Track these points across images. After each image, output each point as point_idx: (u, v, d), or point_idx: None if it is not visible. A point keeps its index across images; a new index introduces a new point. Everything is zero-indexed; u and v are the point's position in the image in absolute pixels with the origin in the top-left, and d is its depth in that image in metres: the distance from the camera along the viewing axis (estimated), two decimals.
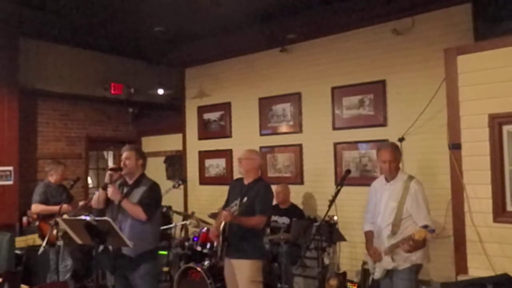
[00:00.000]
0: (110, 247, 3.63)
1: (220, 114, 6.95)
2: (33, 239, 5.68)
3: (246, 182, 4.00)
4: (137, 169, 3.76)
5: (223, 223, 3.80)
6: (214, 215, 4.93)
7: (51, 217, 4.88)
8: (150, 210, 3.60)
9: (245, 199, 3.75)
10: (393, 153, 3.65)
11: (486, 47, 3.94)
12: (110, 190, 3.60)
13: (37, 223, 5.29)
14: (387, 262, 3.55)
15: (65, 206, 5.02)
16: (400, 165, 3.79)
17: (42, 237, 5.09)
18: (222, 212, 3.73)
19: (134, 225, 3.59)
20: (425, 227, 3.21)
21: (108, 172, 3.63)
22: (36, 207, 5.22)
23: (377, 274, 3.68)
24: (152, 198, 3.67)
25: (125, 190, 3.73)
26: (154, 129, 8.36)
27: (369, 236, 3.79)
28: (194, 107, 7.31)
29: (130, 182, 3.75)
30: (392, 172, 3.65)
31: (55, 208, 4.99)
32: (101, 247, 3.62)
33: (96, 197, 3.71)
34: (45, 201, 5.24)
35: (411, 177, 3.65)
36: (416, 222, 3.48)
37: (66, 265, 5.34)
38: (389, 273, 3.61)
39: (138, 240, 3.53)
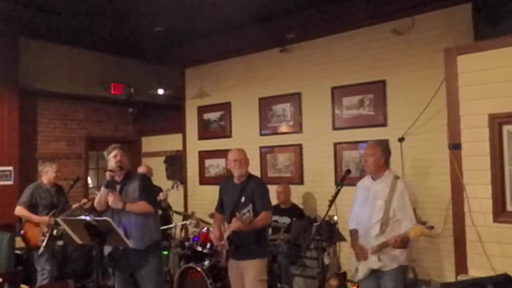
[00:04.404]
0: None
1: (220, 114, 6.95)
2: None
3: (237, 181, 3.93)
4: (128, 165, 3.89)
5: (230, 231, 3.74)
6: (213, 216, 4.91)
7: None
8: (154, 201, 3.79)
9: (243, 198, 3.72)
10: (372, 148, 3.68)
11: (486, 47, 3.94)
12: (110, 199, 3.61)
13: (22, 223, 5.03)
14: (373, 262, 3.50)
15: (45, 218, 4.88)
16: (391, 166, 3.82)
17: (24, 240, 4.92)
18: (233, 222, 3.63)
19: (138, 220, 3.64)
20: (424, 223, 3.23)
21: (108, 173, 3.65)
22: (19, 210, 4.93)
23: (360, 274, 3.59)
24: (150, 190, 3.82)
25: (118, 187, 3.74)
26: (154, 129, 8.36)
27: (354, 235, 3.76)
28: (194, 107, 7.31)
29: (119, 179, 3.77)
30: (369, 167, 3.66)
31: (36, 217, 4.88)
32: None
33: (99, 198, 3.71)
34: (33, 204, 4.95)
35: (397, 177, 3.66)
36: (401, 221, 3.47)
37: (43, 273, 4.97)
38: (373, 274, 3.54)
39: (145, 233, 3.64)
